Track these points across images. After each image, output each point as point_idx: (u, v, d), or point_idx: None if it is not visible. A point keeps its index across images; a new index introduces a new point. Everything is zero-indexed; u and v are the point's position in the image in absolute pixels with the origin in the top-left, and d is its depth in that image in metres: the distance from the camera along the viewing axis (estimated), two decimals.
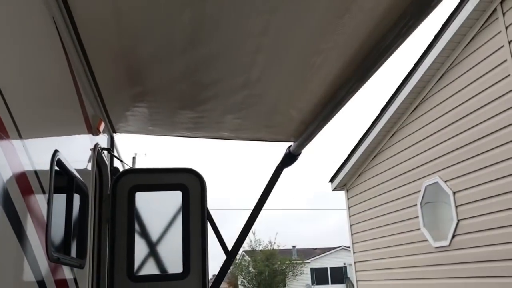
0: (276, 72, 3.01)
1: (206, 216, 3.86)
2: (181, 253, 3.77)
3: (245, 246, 36.86)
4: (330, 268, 43.67)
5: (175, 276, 3.76)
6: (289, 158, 4.23)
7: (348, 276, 41.75)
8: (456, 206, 7.97)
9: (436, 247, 8.54)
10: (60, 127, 2.34)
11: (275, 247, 37.17)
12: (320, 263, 43.72)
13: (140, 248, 3.80)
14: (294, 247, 45.98)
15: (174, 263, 3.85)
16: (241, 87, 3.19)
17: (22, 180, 1.67)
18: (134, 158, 30.25)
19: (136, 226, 3.80)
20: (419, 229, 9.11)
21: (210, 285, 3.88)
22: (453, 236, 8.04)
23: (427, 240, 8.85)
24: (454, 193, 8.04)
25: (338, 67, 2.90)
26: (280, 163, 4.31)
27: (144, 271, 3.80)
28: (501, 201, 6.95)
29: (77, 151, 2.72)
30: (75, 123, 2.67)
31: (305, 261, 41.19)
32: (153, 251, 3.92)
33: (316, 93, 3.27)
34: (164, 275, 3.87)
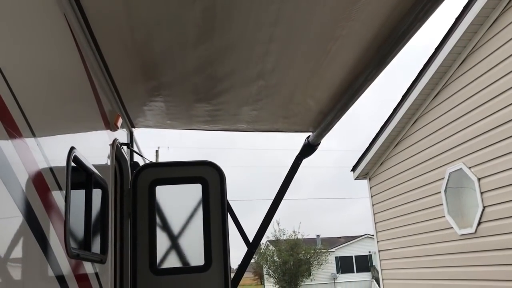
0: (291, 61, 2.97)
1: (226, 208, 3.86)
2: (202, 245, 3.79)
3: (269, 236, 36.97)
4: (355, 256, 43.47)
5: (197, 269, 3.78)
6: (308, 148, 4.21)
7: (373, 264, 41.54)
8: (482, 193, 7.81)
9: (462, 235, 8.40)
10: (76, 124, 2.35)
11: (299, 236, 37.17)
12: (345, 251, 43.56)
13: (162, 242, 3.83)
14: (318, 236, 45.93)
15: (195, 256, 3.87)
16: (256, 78, 3.16)
17: (38, 179, 1.68)
18: (157, 151, 30.60)
19: (157, 220, 3.83)
20: (443, 216, 8.97)
21: (232, 277, 3.90)
22: (479, 223, 7.89)
23: (452, 228, 8.71)
24: (479, 179, 7.88)
25: (355, 54, 2.84)
26: (299, 153, 4.29)
27: (166, 264, 3.83)
28: None
29: (95, 147, 2.74)
30: (92, 120, 2.69)
31: (330, 250, 41.07)
32: (174, 244, 3.95)
33: (333, 81, 3.22)
34: (186, 268, 3.89)
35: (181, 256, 4.00)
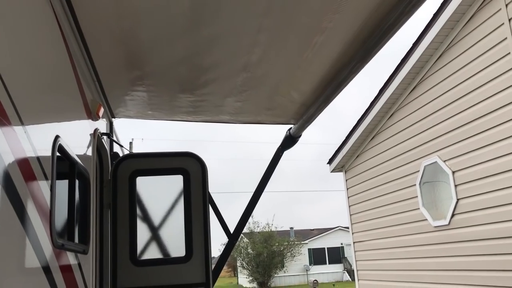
0: (277, 53, 2.97)
1: (207, 200, 3.85)
2: (183, 236, 3.77)
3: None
4: (328, 248, 43.99)
5: (178, 260, 3.76)
6: (289, 141, 4.22)
7: (346, 256, 42.13)
8: (456, 185, 7.99)
9: (436, 226, 8.58)
10: (60, 113, 2.30)
11: (273, 228, 37.40)
12: (318, 243, 44.02)
13: (143, 233, 3.80)
14: (291, 228, 46.28)
15: (176, 247, 3.85)
16: (242, 69, 3.15)
17: (25, 167, 1.64)
18: (131, 143, 30.23)
19: (138, 211, 3.79)
20: (418, 208, 9.14)
21: (213, 268, 3.90)
22: (453, 215, 8.07)
23: (426, 220, 8.89)
24: (453, 172, 8.05)
25: (340, 46, 2.86)
26: (280, 145, 4.30)
27: (147, 256, 3.80)
28: (501, 179, 6.96)
29: (77, 136, 2.69)
30: (74, 109, 2.63)
31: (303, 242, 41.46)
32: (155, 236, 3.92)
33: (318, 74, 3.23)
34: (167, 259, 3.87)
35: (162, 247, 3.97)
